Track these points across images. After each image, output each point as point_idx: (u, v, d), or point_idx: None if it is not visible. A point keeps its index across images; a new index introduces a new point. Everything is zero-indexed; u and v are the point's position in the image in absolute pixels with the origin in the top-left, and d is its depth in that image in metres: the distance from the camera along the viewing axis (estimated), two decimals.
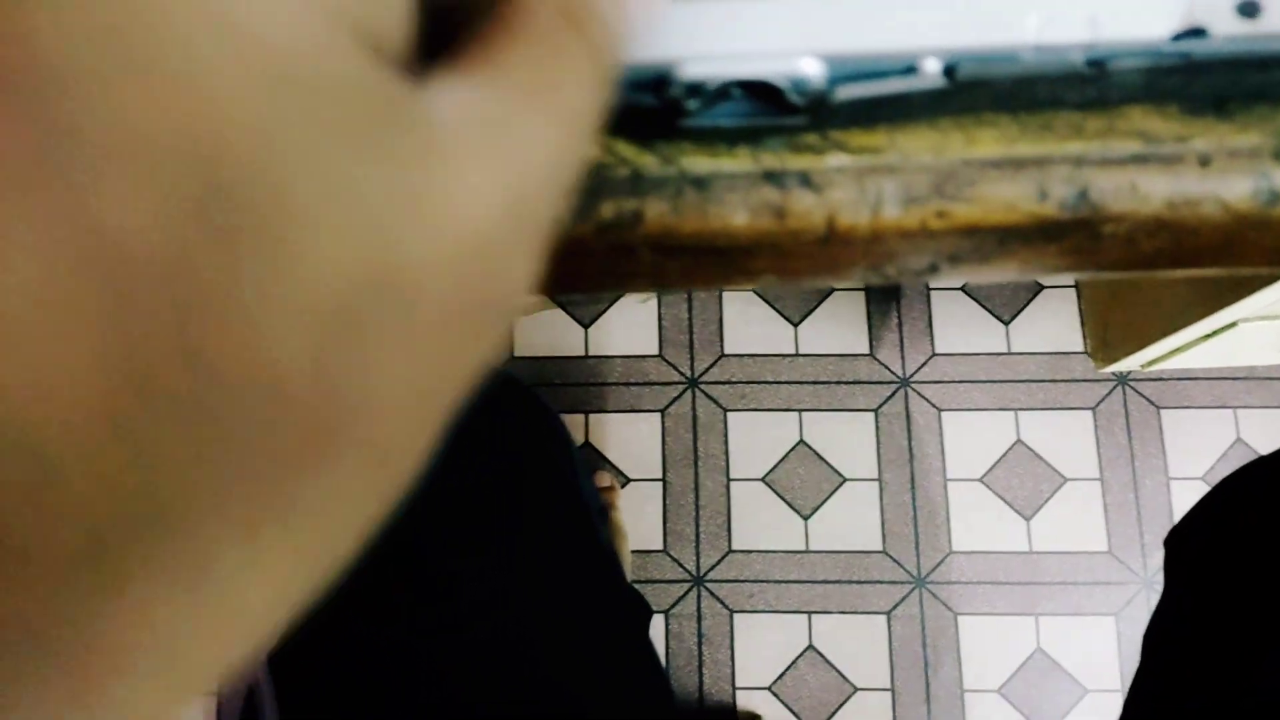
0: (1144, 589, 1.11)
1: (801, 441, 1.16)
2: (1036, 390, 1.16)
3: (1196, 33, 0.19)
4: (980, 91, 0.20)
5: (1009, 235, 0.22)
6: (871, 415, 1.16)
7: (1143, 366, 1.08)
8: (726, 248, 0.22)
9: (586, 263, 0.23)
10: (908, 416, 1.15)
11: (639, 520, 1.14)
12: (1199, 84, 0.20)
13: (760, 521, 1.14)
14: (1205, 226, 0.22)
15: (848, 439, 1.17)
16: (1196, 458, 1.16)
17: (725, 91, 0.20)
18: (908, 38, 0.19)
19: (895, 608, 1.11)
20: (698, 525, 1.12)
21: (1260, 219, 0.21)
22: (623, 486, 1.14)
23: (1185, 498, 1.16)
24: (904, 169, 0.21)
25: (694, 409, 1.16)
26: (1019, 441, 1.16)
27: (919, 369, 1.17)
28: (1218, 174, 0.21)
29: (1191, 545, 0.49)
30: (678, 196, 0.21)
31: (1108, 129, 0.21)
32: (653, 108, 0.20)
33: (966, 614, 1.11)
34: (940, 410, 1.16)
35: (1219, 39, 0.19)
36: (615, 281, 0.24)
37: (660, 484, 1.14)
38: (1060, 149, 0.21)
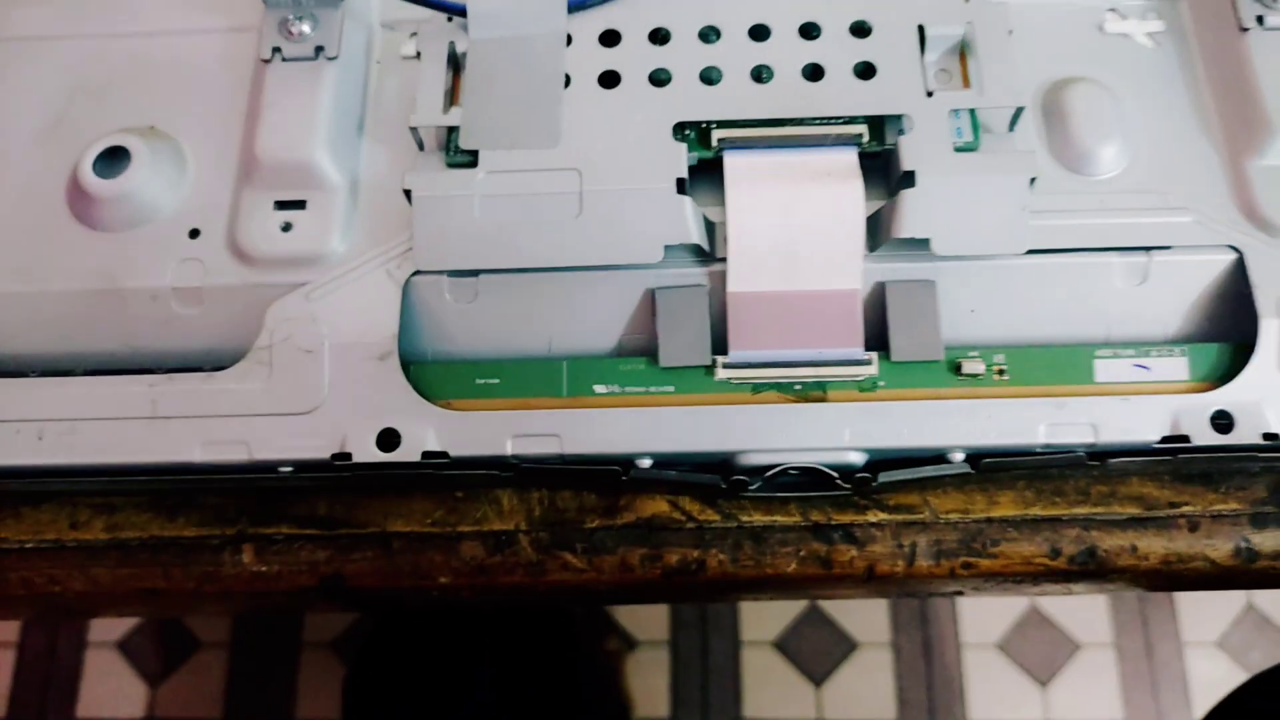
0: None
1: (813, 605, 1.17)
2: None
3: (1181, 438, 0.22)
4: (1000, 472, 0.24)
5: (1026, 579, 0.25)
6: None
7: None
8: (777, 585, 0.25)
9: (647, 593, 0.26)
10: None
11: (646, 687, 1.14)
12: (1186, 466, 0.23)
13: (771, 689, 1.14)
14: (1196, 575, 0.25)
15: (860, 602, 1.18)
16: (1209, 623, 1.16)
17: (782, 473, 0.23)
18: (939, 438, 0.22)
19: None
20: (706, 693, 1.12)
21: (1243, 570, 0.25)
22: (630, 651, 1.15)
23: (1200, 666, 1.16)
24: (935, 526, 0.25)
25: None
26: (1032, 606, 1.17)
27: None
28: (1205, 536, 0.24)
29: None
30: (736, 548, 0.25)
31: (1110, 494, 0.25)
32: (718, 486, 0.23)
33: None
34: None
35: (1199, 444, 0.22)
36: (670, 599, 0.27)
37: (668, 648, 1.14)
38: (1069, 512, 0.24)
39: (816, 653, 1.13)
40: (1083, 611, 1.14)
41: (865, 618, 1.14)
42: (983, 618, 1.13)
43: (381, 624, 0.62)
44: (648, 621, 1.14)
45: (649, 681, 1.11)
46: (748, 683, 1.11)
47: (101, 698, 1.05)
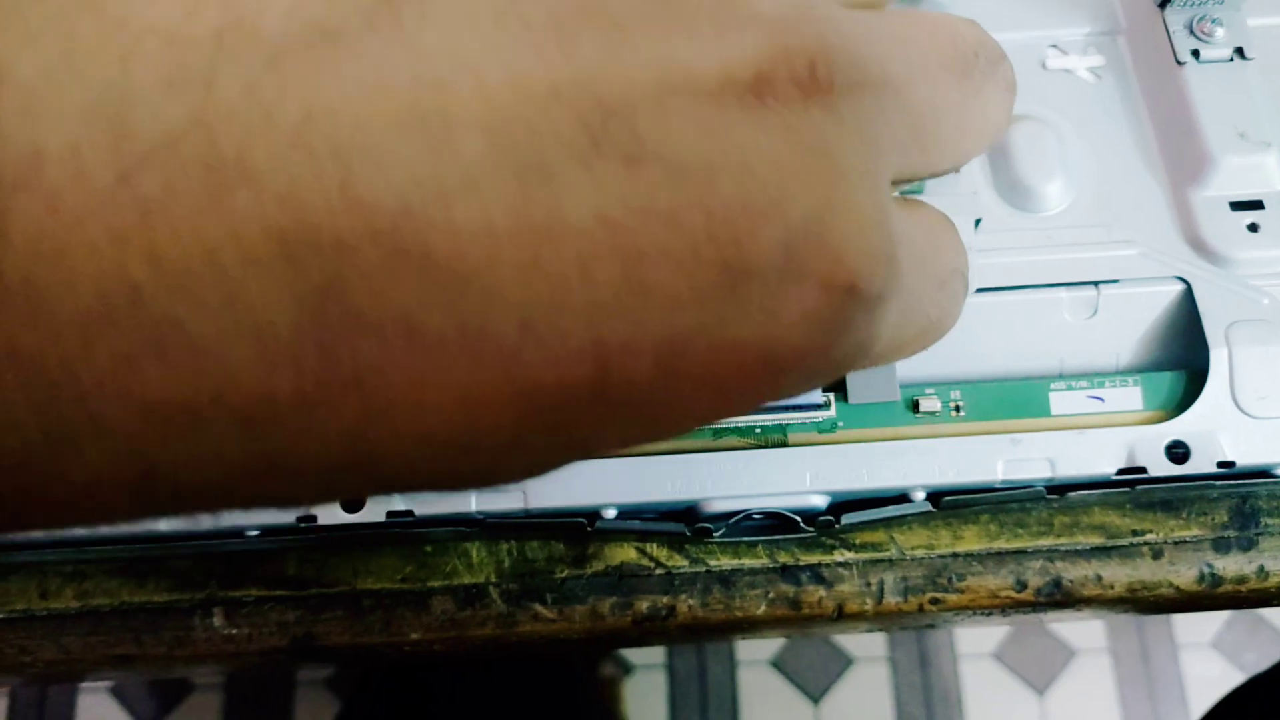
0: None
1: None
2: None
3: (1138, 469, 0.22)
4: (962, 509, 0.24)
5: (995, 611, 0.25)
6: None
7: None
8: (747, 627, 0.25)
9: (621, 639, 0.26)
10: None
11: (644, 711, 1.13)
12: (1146, 495, 0.24)
13: (770, 708, 1.14)
14: (1163, 602, 0.25)
15: None
16: (1204, 625, 1.17)
17: (746, 518, 0.23)
18: (899, 478, 0.23)
19: None
20: (705, 714, 1.12)
21: (1207, 595, 0.25)
22: (627, 675, 1.14)
23: (1195, 668, 1.16)
24: (902, 563, 0.25)
25: None
26: None
27: None
28: (1168, 563, 0.24)
29: None
30: (705, 593, 0.25)
31: (1073, 524, 0.25)
32: (683, 534, 0.23)
33: None
34: None
35: (1156, 474, 0.22)
36: (642, 644, 0.27)
37: (665, 671, 1.14)
38: (1034, 544, 0.25)
39: (813, 670, 1.13)
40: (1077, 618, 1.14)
41: (861, 633, 1.14)
42: (978, 629, 1.13)
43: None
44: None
45: (647, 705, 1.11)
46: (745, 703, 1.11)
47: None
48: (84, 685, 1.06)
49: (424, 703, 0.55)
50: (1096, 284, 0.24)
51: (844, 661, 1.13)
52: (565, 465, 0.12)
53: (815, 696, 1.12)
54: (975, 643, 1.13)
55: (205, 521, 0.23)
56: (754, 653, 1.13)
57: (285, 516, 0.23)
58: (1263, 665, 0.56)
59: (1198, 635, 1.14)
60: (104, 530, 0.23)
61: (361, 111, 0.10)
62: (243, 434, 0.10)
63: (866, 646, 1.13)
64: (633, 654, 1.12)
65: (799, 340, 0.11)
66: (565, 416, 0.11)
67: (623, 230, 0.10)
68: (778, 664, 1.13)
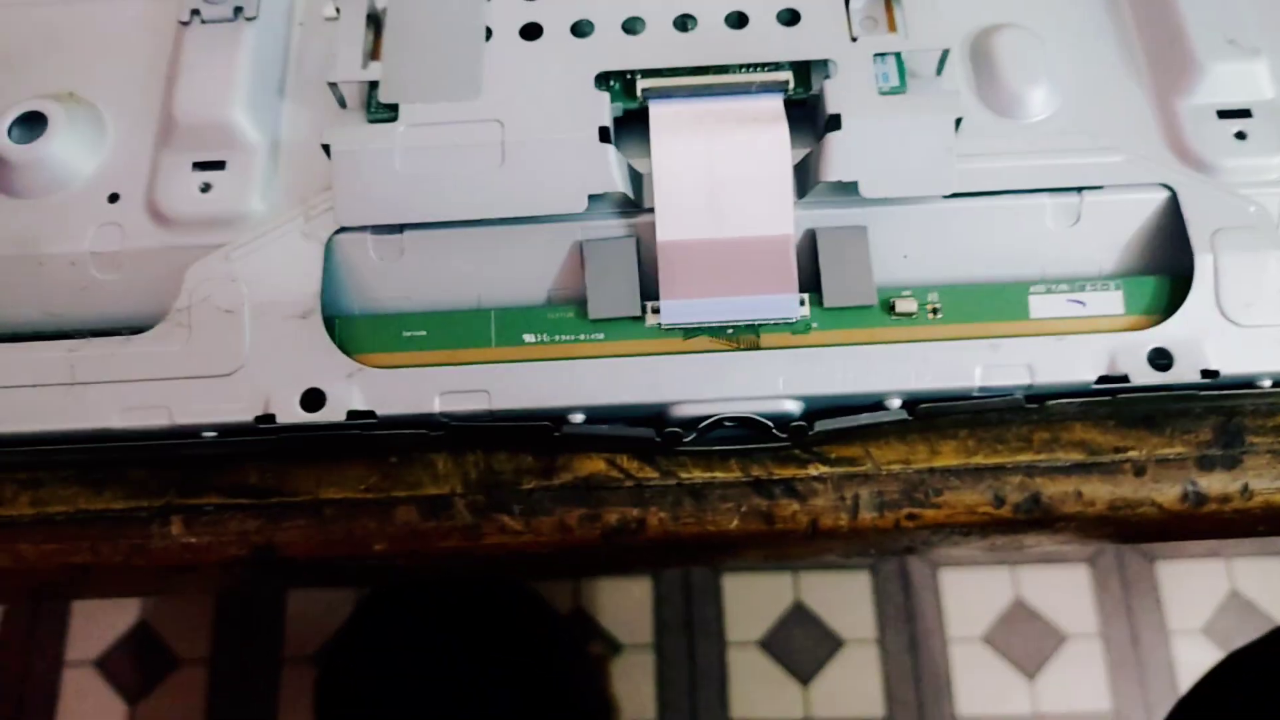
0: None
1: (798, 603, 1.16)
2: None
3: (1119, 378, 0.22)
4: (940, 418, 0.23)
5: (973, 529, 0.25)
6: (868, 573, 1.16)
7: None
8: (718, 543, 0.25)
9: (592, 558, 0.25)
10: (905, 574, 1.16)
11: (632, 692, 1.13)
12: (1128, 409, 0.23)
13: (759, 689, 1.13)
14: (1144, 521, 0.24)
15: (845, 599, 1.17)
16: (1194, 610, 1.16)
17: (717, 424, 0.23)
18: (874, 383, 0.22)
19: None
20: (693, 695, 1.11)
21: (1191, 515, 0.24)
22: (615, 655, 1.14)
23: (1186, 653, 1.16)
24: (878, 478, 0.24)
25: (688, 570, 1.17)
26: (1017, 598, 1.17)
27: None
28: (1151, 481, 0.24)
29: None
30: (676, 505, 0.24)
31: (1053, 440, 0.24)
32: (652, 440, 0.23)
33: None
34: (937, 566, 1.17)
35: (1138, 383, 0.22)
36: (618, 569, 0.27)
37: (654, 651, 1.13)
38: (1013, 459, 0.24)
39: (803, 651, 1.12)
40: (1068, 602, 1.14)
41: (850, 615, 1.13)
42: (968, 611, 1.13)
43: (355, 625, 0.61)
44: (632, 624, 1.13)
45: (635, 685, 1.10)
46: (734, 684, 1.11)
47: (80, 717, 1.03)
48: (68, 659, 1.05)
49: (406, 676, 0.54)
50: (1080, 190, 0.23)
51: (834, 644, 1.12)
52: None
53: (805, 678, 1.11)
54: (965, 626, 1.12)
55: (160, 422, 0.22)
56: (743, 633, 1.12)
57: (242, 415, 0.22)
58: None
59: (1189, 621, 1.14)
60: (53, 429, 0.22)
61: None
62: None
63: (856, 629, 1.12)
64: (620, 633, 1.12)
65: None
66: None
67: None
68: (767, 645, 1.12)
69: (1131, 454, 0.24)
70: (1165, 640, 1.15)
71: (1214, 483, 0.24)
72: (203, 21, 0.25)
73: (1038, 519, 0.24)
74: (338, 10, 0.24)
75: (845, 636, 1.13)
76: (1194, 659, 1.14)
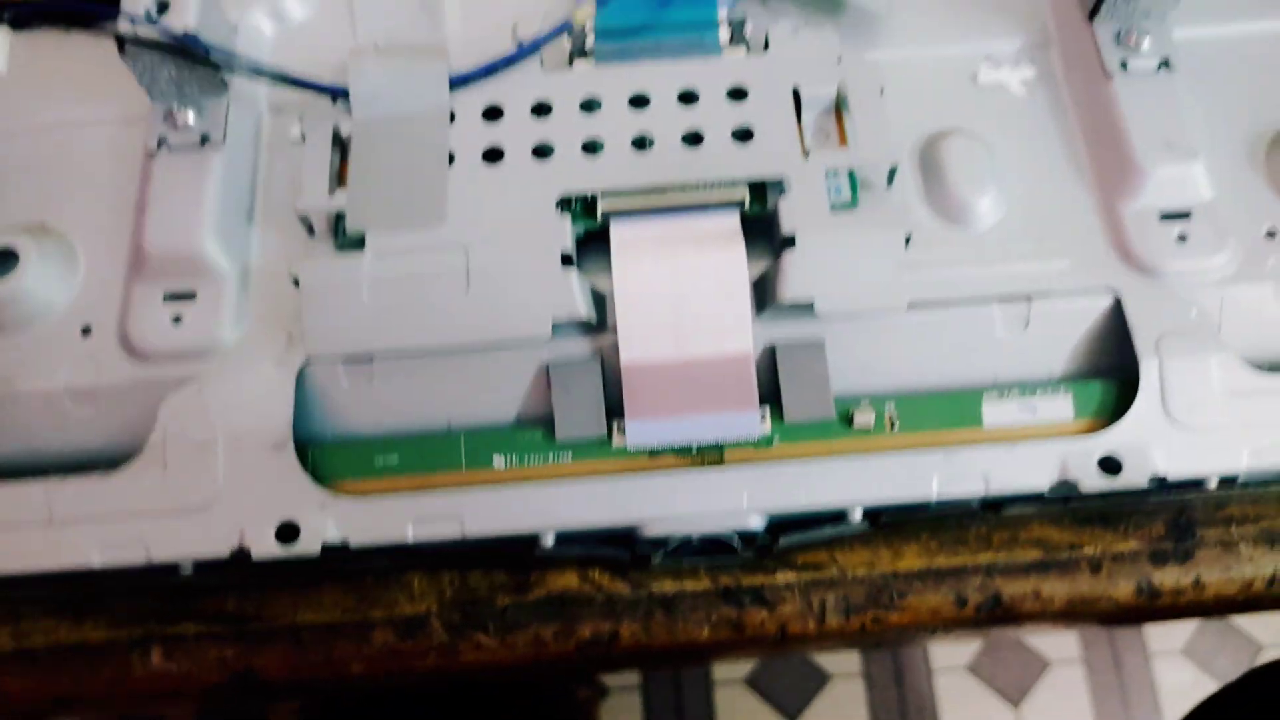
0: None
1: None
2: None
3: (1071, 485, 0.23)
4: (902, 526, 0.24)
5: (938, 629, 0.25)
6: None
7: None
8: (691, 652, 0.25)
9: (565, 667, 0.26)
10: None
11: None
12: (1082, 509, 0.24)
13: None
14: (1101, 614, 0.25)
15: None
16: (1175, 631, 1.17)
17: (685, 543, 0.23)
18: (835, 496, 0.23)
19: None
20: None
21: (1146, 608, 0.25)
22: (602, 698, 1.13)
23: (1168, 675, 1.17)
24: (843, 583, 0.25)
25: None
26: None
27: None
28: (1106, 577, 0.25)
29: None
30: (648, 617, 0.25)
31: (1012, 539, 0.25)
32: (623, 559, 0.23)
33: None
34: None
35: (1089, 490, 0.22)
36: (592, 674, 0.27)
37: (640, 693, 1.13)
38: (973, 560, 0.25)
39: (789, 687, 1.12)
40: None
41: (836, 649, 1.13)
42: (951, 641, 1.13)
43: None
44: None
45: None
46: None
47: None
48: None
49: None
50: (1028, 297, 0.24)
51: (820, 679, 1.12)
52: None
53: (792, 714, 1.11)
54: (950, 656, 1.12)
55: (138, 559, 0.23)
56: (729, 672, 1.12)
57: (218, 550, 0.22)
58: (1234, 671, 0.56)
59: (1170, 643, 1.15)
60: (34, 569, 0.23)
61: None
62: None
63: (842, 663, 1.12)
64: (608, 675, 1.11)
65: None
66: None
67: None
68: (753, 682, 1.12)
69: (1087, 550, 0.25)
70: (1146, 662, 1.16)
71: (1167, 577, 0.25)
72: (170, 150, 0.25)
73: (999, 617, 0.25)
74: (303, 136, 0.25)
75: (831, 670, 1.13)
76: (1175, 680, 1.15)
